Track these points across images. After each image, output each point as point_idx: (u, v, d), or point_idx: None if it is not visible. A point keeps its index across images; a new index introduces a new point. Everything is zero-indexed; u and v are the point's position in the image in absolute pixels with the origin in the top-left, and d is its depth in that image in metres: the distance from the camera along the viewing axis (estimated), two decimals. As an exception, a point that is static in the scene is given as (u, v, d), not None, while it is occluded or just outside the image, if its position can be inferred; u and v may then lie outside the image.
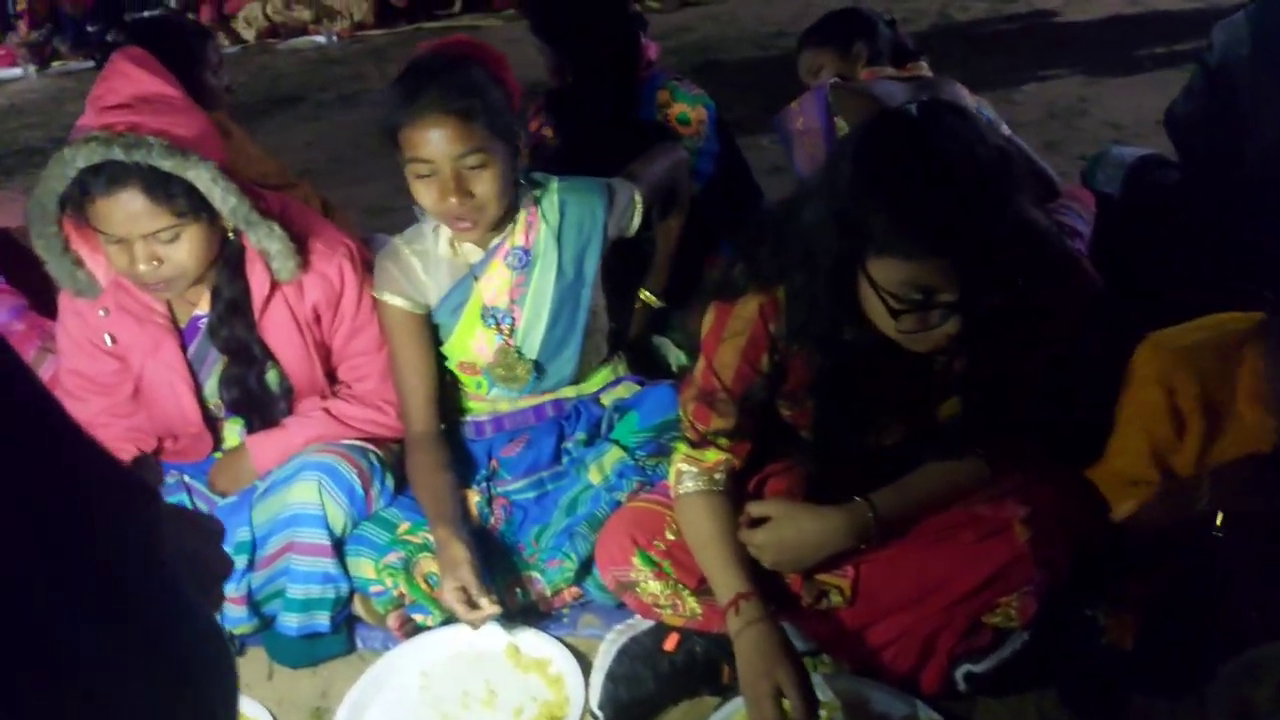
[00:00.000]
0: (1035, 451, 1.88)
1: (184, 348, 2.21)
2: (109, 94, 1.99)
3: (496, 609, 1.93)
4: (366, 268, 2.26)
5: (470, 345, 2.24)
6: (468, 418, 2.34)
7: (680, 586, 1.94)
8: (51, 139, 7.09)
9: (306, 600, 2.12)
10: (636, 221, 2.32)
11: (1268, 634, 1.71)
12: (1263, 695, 1.65)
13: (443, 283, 2.21)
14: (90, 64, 9.68)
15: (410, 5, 10.08)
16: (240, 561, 2.13)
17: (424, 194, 2.07)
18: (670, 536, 1.94)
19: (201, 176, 1.97)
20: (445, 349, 2.26)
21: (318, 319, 2.22)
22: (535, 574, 2.13)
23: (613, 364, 2.40)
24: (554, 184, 2.26)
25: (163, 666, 0.61)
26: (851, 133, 1.74)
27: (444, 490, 2.13)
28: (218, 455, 2.31)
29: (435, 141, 2.00)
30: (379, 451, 2.22)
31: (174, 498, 2.21)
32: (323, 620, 2.14)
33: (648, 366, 2.54)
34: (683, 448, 1.91)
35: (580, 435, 2.26)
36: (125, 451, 2.20)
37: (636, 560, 1.93)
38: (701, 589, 1.92)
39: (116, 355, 2.21)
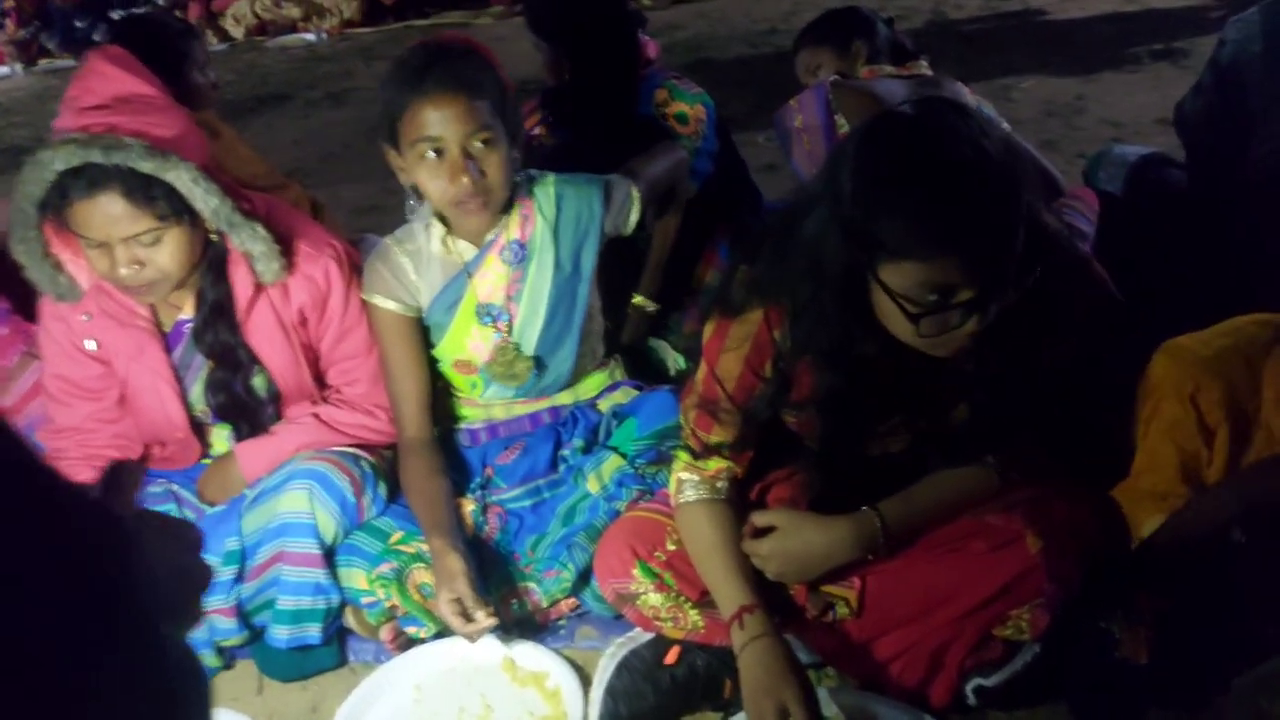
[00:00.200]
0: (1048, 462, 1.84)
1: (169, 352, 2.16)
2: (86, 95, 1.95)
3: (493, 622, 1.89)
4: (354, 269, 2.22)
5: (466, 344, 2.19)
6: (462, 425, 2.30)
7: (682, 599, 1.89)
8: (38, 138, 6.99)
9: (297, 611, 2.08)
10: (634, 218, 2.28)
11: (1285, 646, 1.68)
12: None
13: (435, 281, 2.17)
14: (77, 63, 9.59)
15: (399, 3, 10.02)
16: (229, 572, 2.09)
17: (431, 177, 2.02)
18: (671, 547, 1.90)
19: (182, 178, 1.92)
20: (438, 350, 2.21)
21: (304, 322, 2.17)
22: (531, 585, 2.09)
23: (609, 368, 2.35)
24: (550, 178, 2.22)
25: (143, 700, 0.60)
26: (848, 137, 1.69)
27: (438, 498, 2.09)
28: (207, 462, 2.27)
29: (445, 120, 1.97)
30: (371, 458, 2.18)
31: (161, 507, 2.17)
32: (314, 632, 2.10)
33: (645, 370, 2.50)
34: (684, 456, 1.86)
35: (578, 442, 2.21)
36: (107, 458, 2.15)
37: (637, 572, 1.89)
38: (704, 601, 1.87)
39: (100, 360, 2.17)
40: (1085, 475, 1.90)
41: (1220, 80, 2.29)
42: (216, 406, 2.19)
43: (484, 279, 2.17)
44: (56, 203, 1.93)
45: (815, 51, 2.99)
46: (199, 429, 2.24)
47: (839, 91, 2.64)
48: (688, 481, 1.85)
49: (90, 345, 2.15)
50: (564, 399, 2.30)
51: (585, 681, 1.99)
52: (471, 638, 1.91)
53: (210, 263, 2.10)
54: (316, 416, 2.20)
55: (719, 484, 1.85)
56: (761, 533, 1.81)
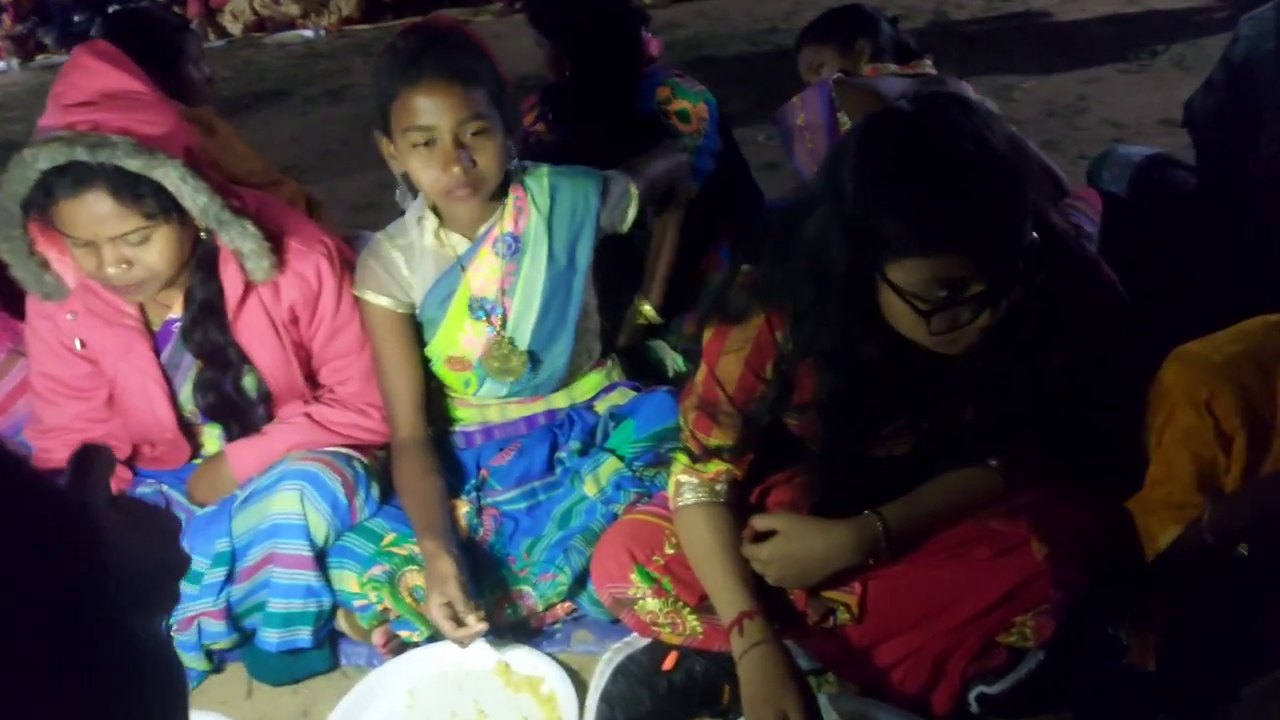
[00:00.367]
0: (1052, 466, 1.81)
1: (157, 352, 2.13)
2: (71, 90, 1.91)
3: (484, 626, 1.85)
4: (347, 266, 2.18)
5: (459, 339, 2.16)
6: (457, 428, 2.26)
7: (680, 604, 1.86)
8: (34, 134, 6.98)
9: (287, 614, 2.05)
10: (631, 215, 2.24)
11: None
12: (1289, 718, 1.59)
13: (428, 275, 2.13)
14: (73, 58, 9.55)
15: (398, 0, 9.98)
16: (219, 573, 2.06)
17: (423, 166, 1.98)
18: (669, 551, 1.87)
19: (170, 176, 1.89)
20: (431, 347, 2.17)
21: (295, 320, 2.14)
22: (526, 588, 2.06)
23: (606, 369, 2.32)
24: (544, 170, 2.18)
25: (109, 693, 0.58)
26: (847, 135, 1.67)
27: (431, 498, 2.05)
28: (198, 462, 2.24)
29: (437, 107, 1.93)
30: (364, 459, 2.15)
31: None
32: (304, 635, 2.07)
33: (643, 371, 2.46)
34: (683, 458, 1.83)
35: (574, 444, 2.17)
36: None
37: (635, 576, 1.86)
38: (702, 606, 1.84)
39: (88, 359, 2.13)
40: (1090, 478, 1.87)
41: (1233, 77, 2.26)
42: (206, 406, 2.16)
43: (477, 272, 2.14)
44: (41, 201, 1.89)
45: (819, 49, 2.96)
46: (189, 429, 2.21)
47: (842, 89, 2.61)
48: (687, 484, 1.82)
49: (77, 344, 2.12)
50: (560, 401, 2.26)
51: (581, 687, 1.96)
52: (463, 642, 1.88)
53: (200, 261, 2.07)
54: (308, 416, 2.17)
55: (718, 487, 1.82)
56: (762, 537, 1.78)
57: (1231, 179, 2.32)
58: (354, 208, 4.44)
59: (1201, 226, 2.45)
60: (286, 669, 2.11)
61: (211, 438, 2.23)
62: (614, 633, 2.04)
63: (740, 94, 5.36)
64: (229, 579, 2.06)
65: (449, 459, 2.21)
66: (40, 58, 10.42)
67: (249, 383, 2.14)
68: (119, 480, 2.17)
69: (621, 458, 2.11)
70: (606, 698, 1.88)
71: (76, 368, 2.14)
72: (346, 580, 2.05)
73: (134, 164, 1.85)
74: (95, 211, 1.87)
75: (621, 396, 2.26)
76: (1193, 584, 1.71)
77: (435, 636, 2.05)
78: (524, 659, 2.02)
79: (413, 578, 2.03)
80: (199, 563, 2.04)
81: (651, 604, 1.86)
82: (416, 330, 2.16)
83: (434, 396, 2.22)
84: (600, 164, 2.26)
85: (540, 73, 2.95)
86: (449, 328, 2.15)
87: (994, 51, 6.05)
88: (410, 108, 1.94)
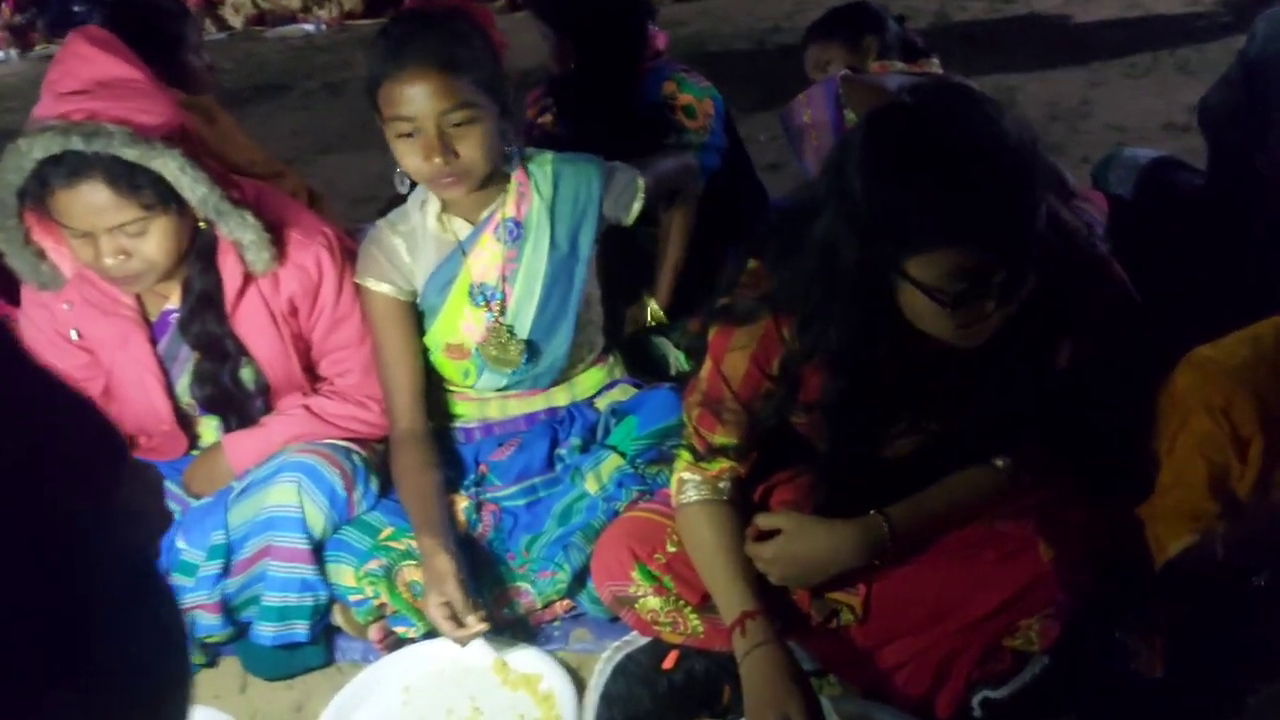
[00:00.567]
0: (1059, 466, 1.79)
1: (154, 343, 2.11)
2: (65, 78, 1.89)
3: (484, 626, 1.84)
4: (348, 257, 2.16)
5: (459, 325, 2.14)
6: (456, 423, 2.24)
7: (682, 603, 1.84)
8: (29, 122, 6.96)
9: (283, 608, 2.03)
10: (637, 208, 2.22)
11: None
12: (1295, 726, 1.57)
13: (430, 261, 2.11)
14: (72, 48, 9.52)
15: (399, -5, 9.97)
16: (214, 566, 2.04)
17: (407, 155, 1.96)
18: (671, 549, 1.85)
19: (168, 165, 1.86)
20: (430, 335, 2.15)
21: (294, 312, 2.12)
22: (525, 585, 2.04)
23: (608, 365, 2.29)
24: (547, 156, 2.16)
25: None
26: (849, 134, 1.64)
27: (430, 492, 2.03)
28: (195, 453, 2.21)
29: (418, 98, 1.90)
30: (363, 452, 2.14)
31: (145, 498, 2.11)
32: (300, 630, 2.05)
33: (645, 367, 2.44)
34: (686, 456, 1.81)
35: (575, 441, 2.15)
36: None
37: (636, 575, 1.84)
38: (704, 606, 1.83)
39: (84, 349, 2.11)
40: (1096, 478, 1.85)
41: (1248, 74, 2.24)
42: (203, 398, 2.13)
43: (479, 258, 2.12)
44: (37, 192, 1.87)
45: (825, 47, 2.95)
46: (186, 420, 2.19)
47: (849, 86, 2.59)
48: (689, 482, 1.80)
49: (73, 334, 2.10)
50: (560, 398, 2.24)
51: (578, 684, 1.95)
52: (462, 642, 1.86)
53: (198, 252, 2.04)
54: (307, 408, 2.15)
55: (721, 484, 1.80)
56: (765, 535, 1.76)
57: (1243, 178, 2.31)
58: (354, 201, 4.42)
59: (1209, 227, 2.44)
60: (282, 664, 2.09)
61: (209, 429, 2.21)
62: (612, 631, 2.02)
63: (742, 93, 5.32)
64: (224, 572, 2.04)
65: (448, 454, 2.19)
66: (39, 47, 10.39)
67: (247, 375, 2.12)
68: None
69: (623, 455, 2.09)
70: (606, 696, 1.87)
71: (73, 358, 2.11)
72: (343, 574, 2.03)
73: (131, 153, 1.83)
74: (92, 202, 1.85)
75: (623, 393, 2.25)
76: (1198, 589, 1.69)
77: (432, 633, 2.02)
78: (522, 657, 2.00)
79: (410, 573, 2.01)
80: (194, 555, 2.02)
81: (652, 602, 1.85)
82: (417, 320, 2.14)
83: (433, 391, 2.20)
84: (607, 158, 2.24)
85: (544, 65, 2.93)
86: (449, 314, 2.13)
87: (997, 52, 6.04)
88: (393, 97, 1.92)
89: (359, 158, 5.00)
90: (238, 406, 2.14)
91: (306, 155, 5.59)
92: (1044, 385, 1.68)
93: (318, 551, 2.03)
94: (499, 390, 2.20)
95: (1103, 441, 1.83)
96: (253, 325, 2.08)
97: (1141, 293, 2.11)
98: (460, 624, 1.82)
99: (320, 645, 2.10)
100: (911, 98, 1.52)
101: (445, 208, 2.11)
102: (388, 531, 2.06)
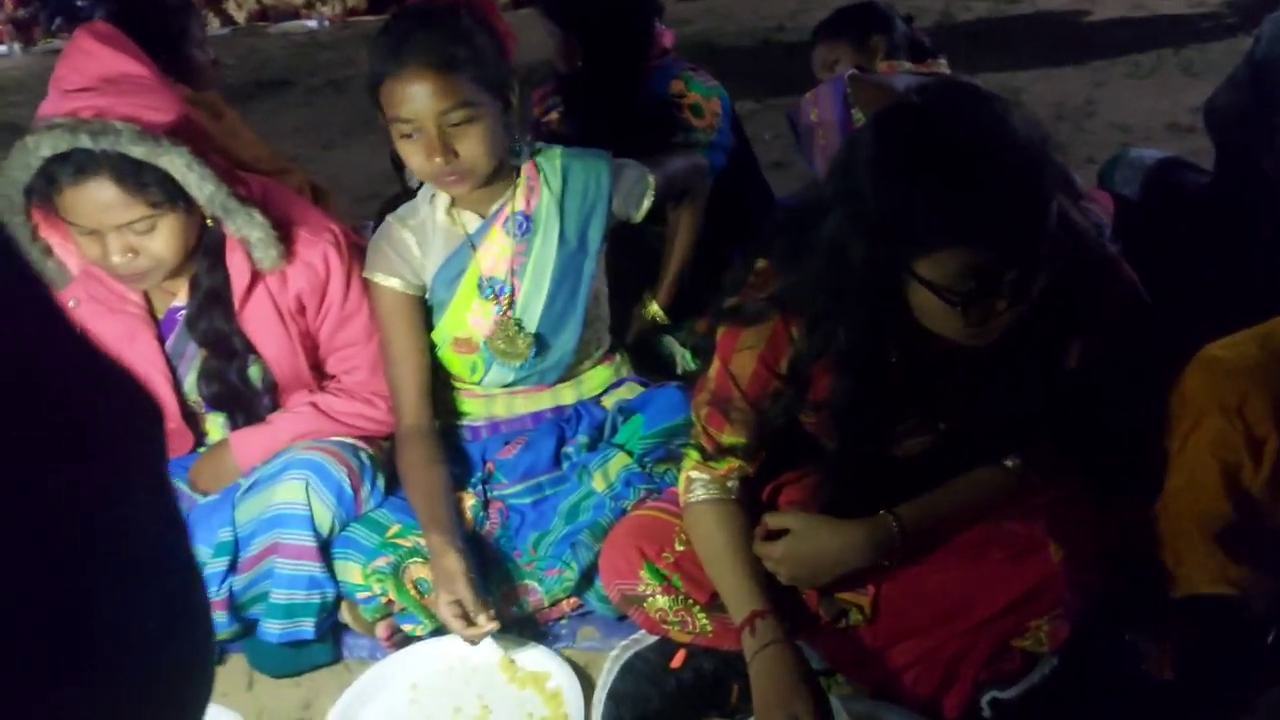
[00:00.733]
0: (1068, 466, 1.78)
1: (161, 340, 2.11)
2: (72, 75, 1.88)
3: (495, 625, 1.83)
4: (355, 253, 2.16)
5: (467, 319, 2.14)
6: (463, 421, 2.24)
7: (690, 602, 1.84)
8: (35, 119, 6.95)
9: (290, 605, 2.02)
10: (646, 205, 2.21)
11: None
12: (1304, 729, 1.57)
13: (439, 254, 2.11)
14: (76, 43, 9.51)
15: (402, -9, 9.95)
16: (221, 563, 2.03)
17: (410, 154, 1.97)
18: (679, 548, 1.85)
19: (175, 163, 1.86)
20: (438, 329, 2.15)
21: (302, 309, 2.11)
22: (532, 583, 2.04)
23: (615, 364, 2.29)
24: (556, 150, 2.16)
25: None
26: (856, 134, 1.64)
27: (437, 489, 2.03)
28: (201, 450, 2.21)
29: (417, 98, 1.90)
30: (370, 449, 2.13)
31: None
32: (307, 627, 2.04)
33: (652, 366, 2.44)
34: (694, 454, 1.81)
35: (582, 439, 2.15)
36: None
37: (644, 573, 1.84)
38: (712, 605, 1.82)
39: (92, 346, 2.09)
40: (1106, 478, 1.84)
41: (1255, 75, 2.24)
42: (210, 396, 2.13)
43: (487, 251, 2.12)
44: (44, 189, 1.86)
45: (833, 46, 2.94)
46: (193, 418, 2.18)
47: (857, 85, 2.58)
48: (698, 480, 1.80)
49: (79, 331, 2.08)
50: (567, 396, 2.24)
51: (585, 683, 1.94)
52: (473, 641, 1.85)
53: (206, 249, 2.04)
54: (314, 405, 2.14)
55: (730, 483, 1.79)
56: (774, 535, 1.76)
57: (1250, 179, 2.31)
58: (357, 199, 4.41)
59: (1215, 227, 2.43)
60: (289, 661, 2.08)
61: (216, 426, 2.21)
62: (620, 629, 2.02)
63: (747, 92, 5.34)
64: (231, 569, 2.04)
65: (454, 452, 2.19)
66: (42, 42, 10.38)
67: (254, 372, 2.12)
68: None
69: (630, 453, 2.09)
70: (613, 695, 1.86)
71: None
72: (351, 571, 2.03)
73: (138, 151, 1.83)
74: (99, 200, 1.85)
75: (630, 392, 2.24)
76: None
77: (439, 630, 2.02)
78: (529, 655, 2.00)
79: (417, 570, 2.00)
80: (201, 552, 2.02)
81: (661, 601, 1.84)
82: (425, 315, 2.14)
83: (440, 390, 2.20)
84: (615, 155, 2.24)
85: (547, 62, 2.92)
86: (457, 307, 2.13)
87: (1001, 52, 6.04)
88: (392, 98, 1.92)
89: (362, 154, 5.00)
90: (245, 404, 2.14)
91: (310, 152, 5.59)
92: (1053, 385, 1.67)
93: (325, 549, 2.03)
94: (506, 386, 2.20)
95: (1112, 441, 1.83)
96: (260, 322, 2.08)
97: (1148, 293, 2.12)
98: (471, 623, 1.82)
99: (327, 643, 2.10)
100: (920, 97, 1.52)
101: (455, 201, 2.11)
102: (395, 529, 2.06)
